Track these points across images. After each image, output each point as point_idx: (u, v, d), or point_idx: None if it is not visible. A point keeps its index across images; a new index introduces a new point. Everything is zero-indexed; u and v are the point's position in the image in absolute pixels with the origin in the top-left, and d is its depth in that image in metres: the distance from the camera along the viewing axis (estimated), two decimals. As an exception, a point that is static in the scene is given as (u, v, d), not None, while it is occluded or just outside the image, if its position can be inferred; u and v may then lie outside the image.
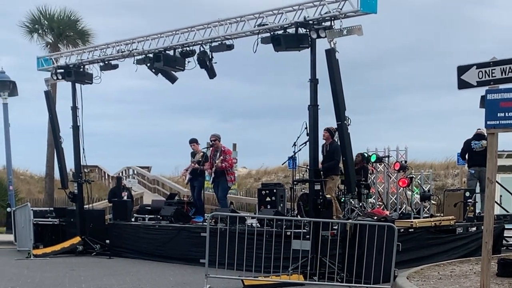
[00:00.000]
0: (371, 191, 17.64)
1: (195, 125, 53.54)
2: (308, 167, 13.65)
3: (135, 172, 36.66)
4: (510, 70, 9.21)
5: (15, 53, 47.11)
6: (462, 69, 9.78)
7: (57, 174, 24.66)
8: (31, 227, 17.58)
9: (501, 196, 17.82)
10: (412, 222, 14.14)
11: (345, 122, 12.87)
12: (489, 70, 9.49)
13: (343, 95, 12.87)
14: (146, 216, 18.05)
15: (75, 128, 18.25)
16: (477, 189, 16.82)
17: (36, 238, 17.96)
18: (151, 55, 16.39)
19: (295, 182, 15.65)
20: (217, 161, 16.89)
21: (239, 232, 12.27)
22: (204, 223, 15.70)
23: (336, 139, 15.30)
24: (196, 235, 15.32)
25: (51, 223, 18.96)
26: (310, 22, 13.21)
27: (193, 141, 18.04)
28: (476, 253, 13.94)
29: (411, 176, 16.91)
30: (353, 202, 16.31)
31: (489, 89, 9.41)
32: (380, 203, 18.56)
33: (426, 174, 18.78)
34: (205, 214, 17.61)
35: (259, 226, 14.01)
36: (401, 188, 17.35)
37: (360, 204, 16.74)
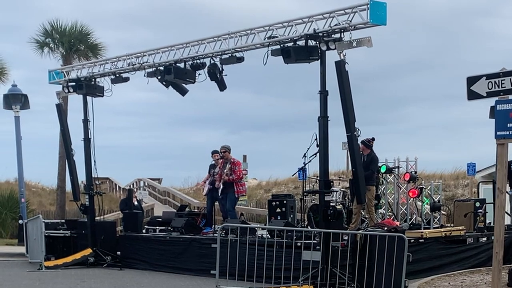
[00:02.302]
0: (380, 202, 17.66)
1: (205, 137, 53.73)
2: (318, 178, 13.69)
3: (146, 184, 36.76)
4: (519, 81, 9.26)
5: (27, 67, 47.49)
6: (471, 80, 9.84)
7: (68, 186, 24.87)
8: (43, 239, 17.66)
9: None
10: (422, 232, 14.16)
11: (355, 133, 12.92)
12: (498, 81, 9.55)
13: (353, 107, 12.91)
14: (157, 227, 18.12)
15: (87, 141, 18.36)
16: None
17: (47, 250, 18.03)
18: (161, 68, 16.49)
19: (305, 193, 15.69)
20: (225, 172, 16.95)
21: (250, 243, 12.33)
22: (215, 235, 15.76)
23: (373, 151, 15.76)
24: (207, 246, 15.36)
25: (62, 235, 19.04)
26: (320, 34, 13.27)
27: (215, 152, 18.02)
28: (487, 263, 13.92)
29: (421, 186, 16.90)
30: (363, 212, 16.34)
31: (499, 99, 9.46)
32: (390, 213, 18.56)
33: (436, 185, 18.76)
34: (216, 226, 17.65)
35: (269, 237, 14.07)
36: (411, 199, 17.35)
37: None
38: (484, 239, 15.31)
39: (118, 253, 18.03)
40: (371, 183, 15.67)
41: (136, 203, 20.37)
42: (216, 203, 18.41)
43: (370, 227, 15.10)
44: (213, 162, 17.98)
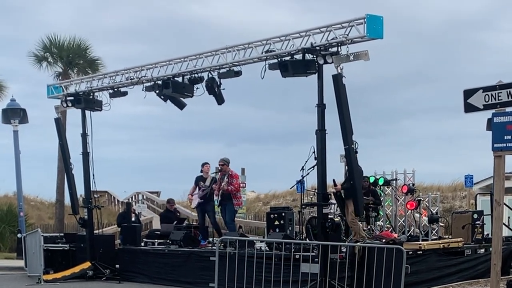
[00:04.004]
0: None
1: (203, 150, 53.70)
2: (316, 191, 13.75)
3: (145, 197, 36.74)
4: (516, 93, 9.33)
5: (25, 81, 47.53)
6: (468, 93, 9.91)
7: (67, 200, 24.89)
8: (42, 253, 17.66)
9: (509, 217, 17.85)
10: (420, 244, 14.20)
11: (352, 146, 12.98)
12: (495, 94, 9.61)
13: (350, 120, 12.98)
14: (156, 240, 18.13)
15: (85, 154, 18.41)
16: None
17: (46, 263, 18.02)
18: (160, 82, 16.56)
19: (303, 206, 15.73)
20: (223, 184, 17.00)
21: (248, 255, 12.35)
22: (213, 247, 15.79)
23: None
24: (206, 259, 15.38)
25: (61, 248, 19.03)
26: (317, 48, 13.37)
27: (205, 164, 18.06)
28: (485, 275, 13.97)
29: (419, 198, 16.96)
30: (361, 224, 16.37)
31: (496, 112, 9.53)
32: (388, 225, 18.61)
33: (433, 197, 18.81)
34: (214, 238, 17.66)
35: (268, 249, 14.09)
36: (409, 211, 17.39)
37: (369, 227, 16.79)
38: (482, 250, 15.36)
39: (117, 266, 18.06)
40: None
41: (133, 218, 20.35)
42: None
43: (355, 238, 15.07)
44: (202, 175, 18.04)
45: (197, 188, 17.98)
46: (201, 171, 18.15)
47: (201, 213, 18.32)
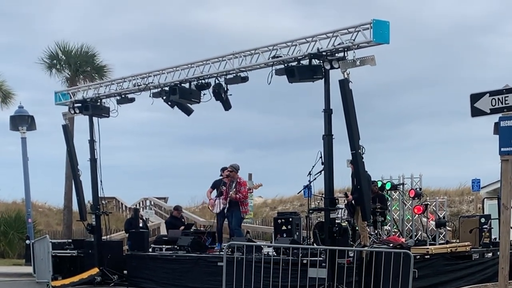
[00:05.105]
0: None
1: (210, 156, 53.78)
2: (324, 196, 13.76)
3: (152, 203, 36.80)
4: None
5: (33, 88, 47.76)
6: (475, 97, 9.93)
7: (75, 206, 24.92)
8: (50, 259, 17.73)
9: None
10: (428, 248, 14.20)
11: (359, 151, 13.00)
12: (502, 98, 9.64)
13: (357, 125, 12.99)
14: (163, 246, 18.17)
15: (93, 161, 18.48)
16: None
17: (54, 269, 18.08)
18: (167, 88, 16.60)
19: (310, 211, 15.75)
20: (230, 192, 17.01)
21: (256, 261, 12.38)
22: (221, 253, 15.81)
23: None
24: (213, 264, 15.40)
25: (69, 254, 19.11)
26: (324, 53, 13.39)
27: (225, 169, 17.96)
28: (493, 279, 13.95)
29: (426, 203, 16.96)
30: (369, 229, 16.39)
31: (503, 116, 9.55)
32: (395, 230, 18.60)
33: (440, 201, 18.80)
34: (222, 244, 17.68)
35: (275, 254, 14.10)
36: (417, 215, 17.39)
37: (376, 232, 16.80)
38: (490, 254, 15.35)
39: (125, 272, 18.11)
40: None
41: (141, 224, 20.40)
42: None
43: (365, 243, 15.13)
44: (221, 178, 17.86)
45: (215, 192, 17.86)
46: (221, 175, 17.97)
47: (223, 217, 17.90)
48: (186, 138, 57.24)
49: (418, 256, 13.42)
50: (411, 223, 18.52)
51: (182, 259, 16.75)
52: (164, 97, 16.69)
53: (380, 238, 16.27)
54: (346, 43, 13.11)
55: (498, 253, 9.72)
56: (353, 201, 15.70)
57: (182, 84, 16.41)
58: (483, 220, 16.30)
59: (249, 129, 56.76)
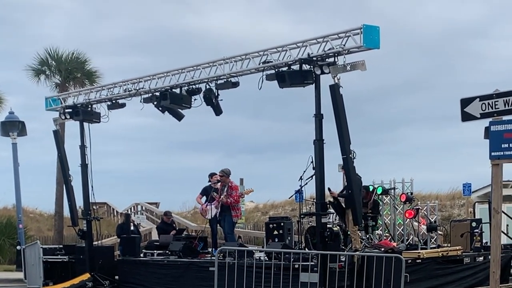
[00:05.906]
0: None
1: (201, 161, 53.73)
2: (315, 201, 13.78)
3: (144, 208, 36.76)
4: (513, 102, 9.38)
5: (24, 93, 47.58)
6: (465, 102, 9.97)
7: (66, 212, 24.90)
8: (41, 265, 17.69)
9: (507, 225, 17.88)
10: (419, 253, 14.22)
11: (350, 155, 13.03)
12: (492, 102, 9.68)
13: (348, 129, 13.03)
14: (155, 251, 18.14)
15: (84, 166, 18.45)
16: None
17: (45, 275, 18.05)
18: (157, 94, 16.61)
19: (302, 215, 15.75)
20: (222, 197, 17.00)
21: (247, 265, 12.38)
22: (212, 258, 15.79)
23: None
24: (205, 269, 15.38)
25: (60, 260, 19.01)
26: (314, 58, 13.42)
27: (213, 175, 17.93)
28: (484, 282, 13.99)
29: (417, 207, 16.99)
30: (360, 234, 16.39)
31: (493, 120, 9.59)
32: (387, 234, 18.63)
33: (432, 205, 18.84)
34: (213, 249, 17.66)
35: (267, 259, 14.10)
36: (408, 219, 17.42)
37: (367, 236, 16.82)
38: (481, 258, 15.38)
39: (117, 277, 18.06)
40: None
41: (132, 227, 20.40)
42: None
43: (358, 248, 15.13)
44: (210, 184, 17.86)
45: (205, 198, 17.83)
46: (209, 181, 17.98)
47: (216, 223, 17.86)
48: (177, 143, 57.27)
49: (410, 260, 13.43)
50: (402, 227, 18.57)
51: (174, 264, 16.72)
52: (155, 103, 16.70)
53: (371, 243, 16.28)
54: (337, 48, 13.16)
55: (489, 257, 9.74)
56: (341, 201, 15.61)
57: (173, 90, 16.42)
58: (474, 224, 16.33)
59: (240, 134, 56.80)
